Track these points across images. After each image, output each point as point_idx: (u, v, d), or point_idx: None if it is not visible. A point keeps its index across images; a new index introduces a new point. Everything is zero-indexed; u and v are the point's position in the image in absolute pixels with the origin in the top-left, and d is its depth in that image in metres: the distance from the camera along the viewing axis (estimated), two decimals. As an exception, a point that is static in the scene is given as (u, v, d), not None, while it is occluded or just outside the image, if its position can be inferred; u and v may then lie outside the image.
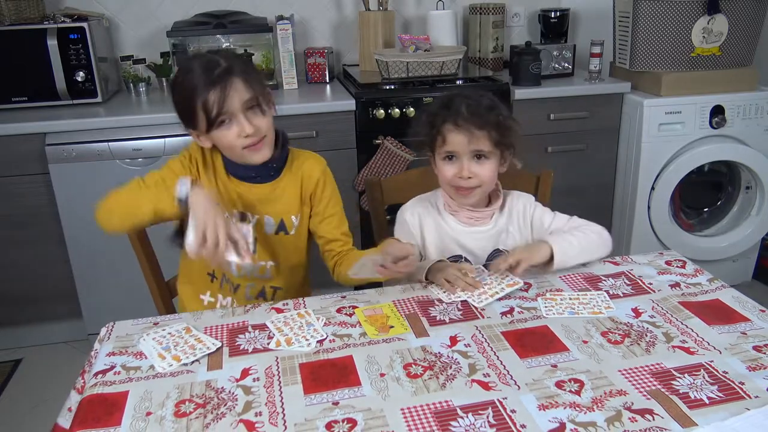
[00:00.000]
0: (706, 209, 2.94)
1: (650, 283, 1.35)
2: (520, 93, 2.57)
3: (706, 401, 0.97)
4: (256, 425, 0.95)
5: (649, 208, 2.71)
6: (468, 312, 1.26)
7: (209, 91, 1.28)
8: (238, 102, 1.31)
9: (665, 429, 0.92)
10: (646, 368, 1.06)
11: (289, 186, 1.48)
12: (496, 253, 1.49)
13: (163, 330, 1.21)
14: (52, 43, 2.34)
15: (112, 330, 1.23)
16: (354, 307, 1.28)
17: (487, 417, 0.95)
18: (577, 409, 0.96)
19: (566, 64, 2.83)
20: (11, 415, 2.21)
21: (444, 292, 1.33)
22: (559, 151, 2.64)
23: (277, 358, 1.12)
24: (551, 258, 1.37)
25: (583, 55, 2.88)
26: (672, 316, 1.22)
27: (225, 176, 1.45)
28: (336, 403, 0.99)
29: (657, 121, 2.58)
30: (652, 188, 2.67)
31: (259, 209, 1.45)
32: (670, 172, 2.64)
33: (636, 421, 0.93)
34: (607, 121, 2.70)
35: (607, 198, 2.83)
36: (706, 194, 2.92)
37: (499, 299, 1.29)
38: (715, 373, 1.04)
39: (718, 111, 2.60)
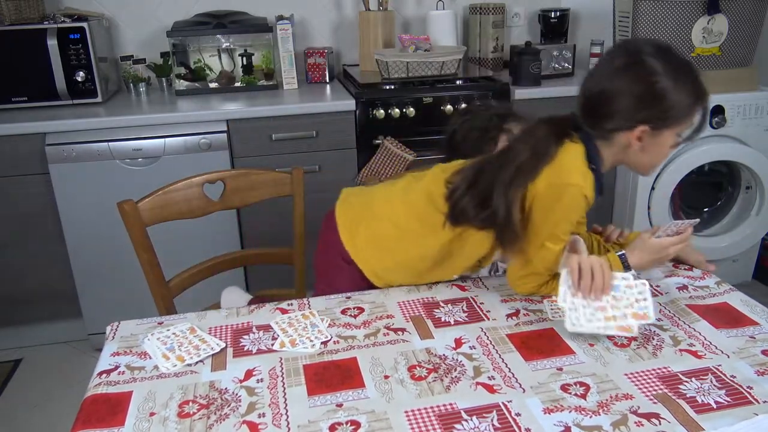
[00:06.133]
0: (706, 209, 2.94)
1: (657, 286, 1.35)
2: (520, 93, 2.57)
3: (714, 406, 0.97)
4: (260, 426, 0.95)
5: (649, 208, 2.70)
6: (473, 314, 1.25)
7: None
8: None
9: (672, 432, 0.91)
10: (653, 372, 1.05)
11: None
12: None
13: (168, 330, 1.21)
14: (52, 43, 2.33)
15: (116, 330, 1.23)
16: (359, 309, 1.28)
17: (492, 420, 0.95)
18: (582, 412, 0.96)
19: (566, 64, 2.83)
20: (11, 415, 2.20)
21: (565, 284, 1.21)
22: (559, 151, 2.63)
23: (281, 359, 1.12)
24: None
25: (583, 55, 2.88)
26: (679, 319, 1.22)
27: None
28: (340, 405, 0.99)
29: (657, 122, 2.58)
30: (652, 188, 2.67)
31: None
32: (670, 172, 2.64)
33: (642, 425, 0.93)
34: (608, 122, 2.70)
35: (607, 198, 2.83)
36: (706, 194, 2.92)
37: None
38: (723, 377, 1.04)
39: (718, 111, 2.60)
